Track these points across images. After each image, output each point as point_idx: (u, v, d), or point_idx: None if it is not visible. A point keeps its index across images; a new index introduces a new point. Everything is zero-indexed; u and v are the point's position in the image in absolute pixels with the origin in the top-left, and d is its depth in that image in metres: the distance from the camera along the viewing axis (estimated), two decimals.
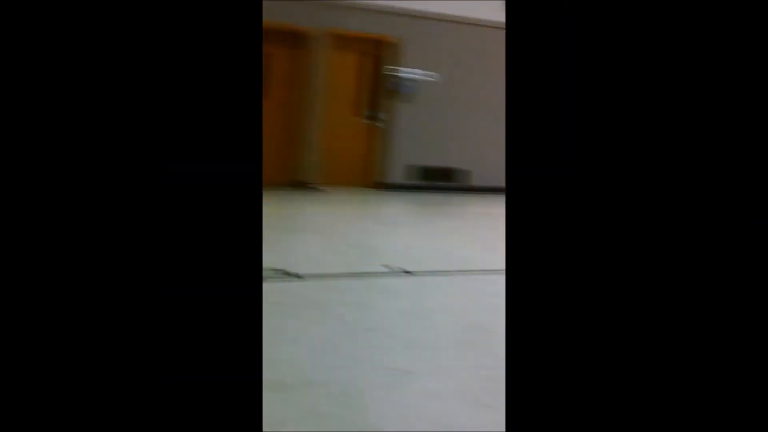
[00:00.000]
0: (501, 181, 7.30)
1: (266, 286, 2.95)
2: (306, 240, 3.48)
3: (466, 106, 7.64)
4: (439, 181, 7.65)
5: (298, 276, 3.20)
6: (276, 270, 3.08)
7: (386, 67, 6.72)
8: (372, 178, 7.41)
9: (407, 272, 3.73)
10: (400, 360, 2.63)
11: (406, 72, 7.02)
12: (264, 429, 2.50)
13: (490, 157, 7.82)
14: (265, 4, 6.37)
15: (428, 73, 7.01)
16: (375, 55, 7.02)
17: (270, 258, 3.02)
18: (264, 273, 3.08)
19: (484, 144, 7.81)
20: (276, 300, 2.85)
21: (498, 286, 3.56)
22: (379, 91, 7.09)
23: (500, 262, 3.90)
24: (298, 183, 6.93)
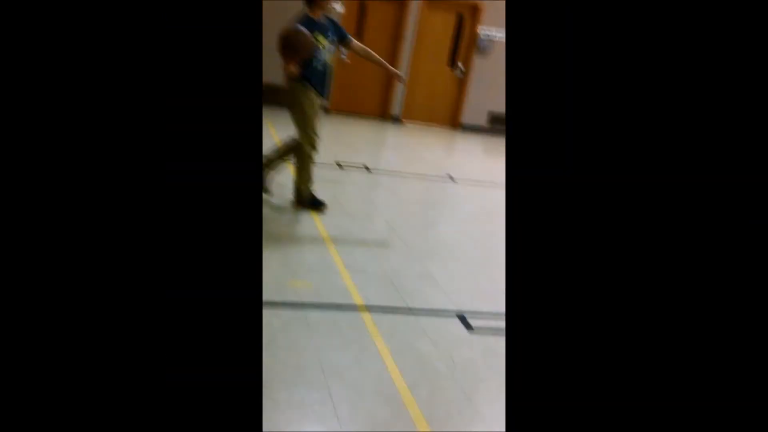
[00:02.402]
0: None
1: (350, 173, 5.31)
2: (384, 152, 4.78)
3: None
4: (503, 126, 8.84)
5: (368, 169, 5.40)
6: (359, 164, 5.22)
7: (471, 25, 8.45)
8: (449, 118, 8.95)
9: (451, 177, 5.66)
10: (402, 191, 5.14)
11: (485, 31, 8.39)
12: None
13: None
14: None
15: (502, 32, 8.26)
16: (459, 14, 8.48)
17: (357, 158, 5.20)
18: (352, 165, 5.30)
19: None
20: (352, 180, 5.21)
21: (494, 193, 5.60)
22: (460, 44, 8.62)
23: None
24: (387, 116, 8.64)
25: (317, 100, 3.96)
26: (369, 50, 4.24)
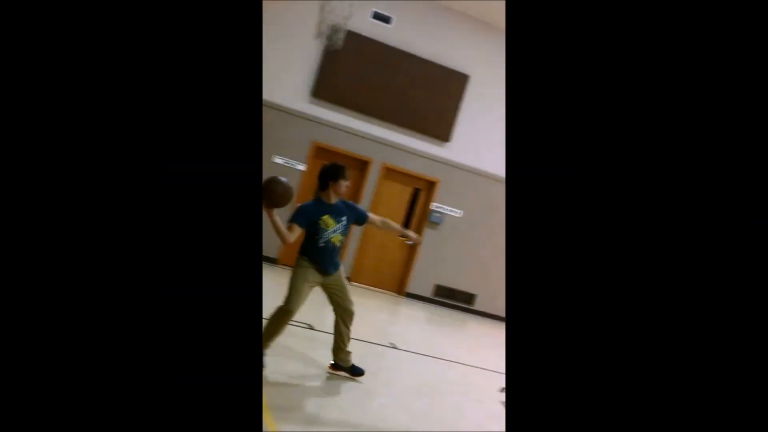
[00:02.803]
0: (501, 310, 9.25)
1: (293, 330, 4.85)
2: (329, 312, 4.79)
3: (479, 240, 9.43)
4: (448, 299, 9.36)
5: (311, 328, 5.26)
6: (304, 323, 5.13)
7: (425, 199, 9.16)
8: (395, 284, 9.36)
9: (393, 346, 5.57)
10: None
11: (438, 206, 9.12)
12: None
13: (493, 286, 9.42)
14: (344, 136, 7.67)
15: (454, 209, 9.14)
16: (415, 188, 9.19)
17: (301, 317, 4.64)
18: (295, 324, 4.94)
19: (491, 274, 9.40)
20: (294, 340, 4.79)
21: (437, 366, 5.48)
22: (413, 215, 9.19)
23: (452, 355, 5.98)
24: None
25: (313, 276, 4.23)
26: (387, 221, 4.58)
